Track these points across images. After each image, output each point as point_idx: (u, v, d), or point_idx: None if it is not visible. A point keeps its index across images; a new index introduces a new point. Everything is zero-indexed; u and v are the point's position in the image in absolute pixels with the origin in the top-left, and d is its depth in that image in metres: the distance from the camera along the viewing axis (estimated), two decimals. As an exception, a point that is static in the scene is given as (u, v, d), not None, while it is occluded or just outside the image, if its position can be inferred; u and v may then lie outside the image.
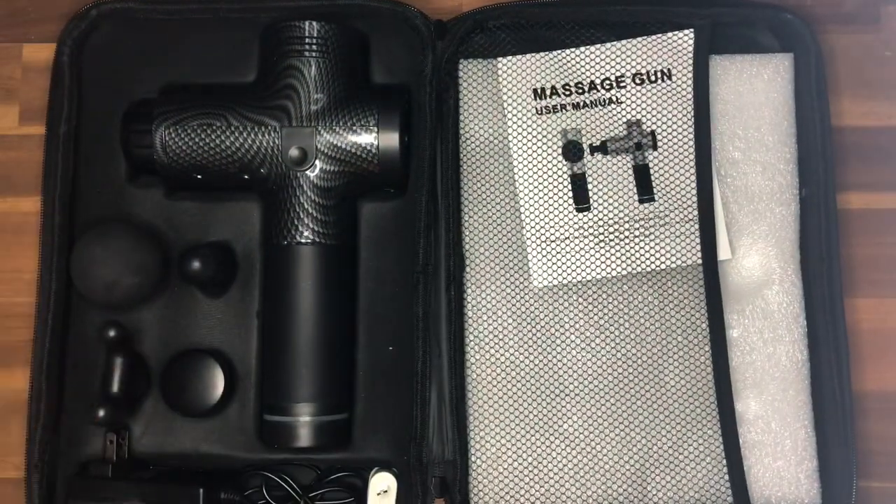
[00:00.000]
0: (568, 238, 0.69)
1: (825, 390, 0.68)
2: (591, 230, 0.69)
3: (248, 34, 0.73)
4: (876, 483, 0.70)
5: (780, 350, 0.69)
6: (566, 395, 0.68)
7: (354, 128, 0.68)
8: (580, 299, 0.69)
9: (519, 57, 0.71)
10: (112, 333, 0.67)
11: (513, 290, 0.69)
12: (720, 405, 0.67)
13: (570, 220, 0.69)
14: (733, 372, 0.68)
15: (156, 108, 0.69)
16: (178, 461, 0.70)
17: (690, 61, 0.69)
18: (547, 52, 0.71)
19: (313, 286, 0.68)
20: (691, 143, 0.69)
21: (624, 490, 0.67)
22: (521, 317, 0.69)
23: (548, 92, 0.70)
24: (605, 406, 0.68)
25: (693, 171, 0.69)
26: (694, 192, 0.69)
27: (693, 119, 0.69)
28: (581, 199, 0.69)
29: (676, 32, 0.70)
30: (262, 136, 0.68)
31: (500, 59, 0.71)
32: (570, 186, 0.70)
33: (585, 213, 0.69)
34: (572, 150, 0.70)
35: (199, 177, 0.69)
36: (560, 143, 0.70)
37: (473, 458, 0.68)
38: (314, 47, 0.68)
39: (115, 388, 0.68)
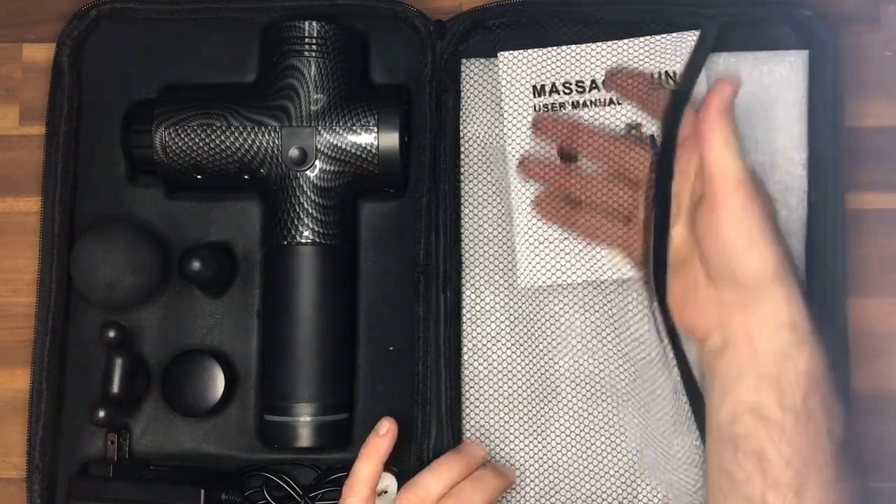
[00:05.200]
0: (558, 239, 0.69)
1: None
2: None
3: (248, 34, 0.72)
4: (875, 483, 0.70)
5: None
6: (560, 396, 0.68)
7: (354, 128, 0.68)
8: (577, 301, 0.69)
9: (520, 52, 0.70)
10: (112, 334, 0.67)
11: (510, 291, 0.69)
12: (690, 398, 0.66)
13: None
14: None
15: (156, 109, 0.69)
16: (178, 461, 0.71)
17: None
18: (549, 48, 0.70)
19: (313, 286, 0.68)
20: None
21: (615, 491, 0.67)
22: (517, 317, 0.69)
23: (547, 89, 0.70)
24: (599, 408, 0.68)
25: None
26: None
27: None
28: (571, 199, 0.69)
29: (682, 33, 0.69)
30: (261, 137, 0.68)
31: (500, 53, 0.70)
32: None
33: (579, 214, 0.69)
34: (568, 150, 0.70)
35: (199, 177, 0.69)
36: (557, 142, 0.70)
37: (468, 457, 0.68)
38: (314, 47, 0.68)
39: (116, 388, 0.68)
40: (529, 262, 0.69)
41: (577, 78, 0.70)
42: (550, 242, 0.69)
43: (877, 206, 0.73)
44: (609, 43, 0.70)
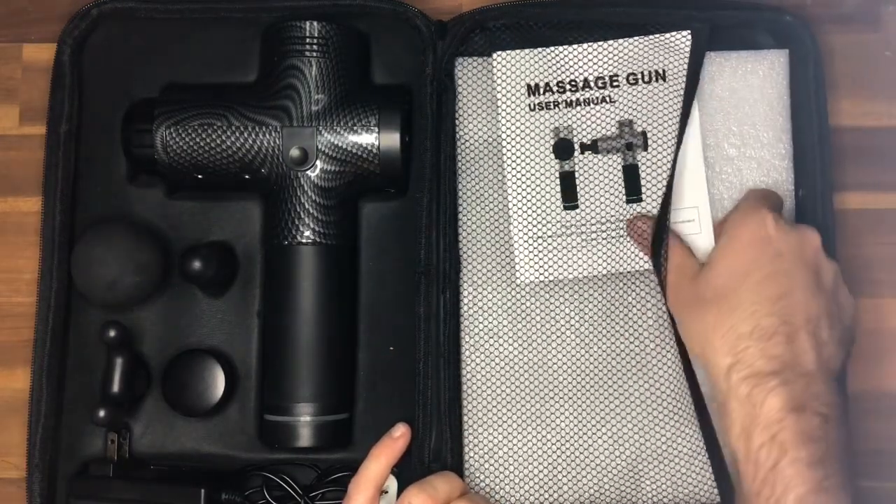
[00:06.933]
0: (554, 235, 0.69)
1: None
2: (577, 228, 0.69)
3: (249, 34, 0.72)
4: (875, 483, 0.70)
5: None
6: (560, 391, 0.68)
7: (355, 128, 0.68)
8: (575, 296, 0.69)
9: (514, 52, 0.70)
10: (112, 333, 0.67)
11: (509, 288, 0.69)
12: (696, 406, 0.67)
13: (557, 217, 0.69)
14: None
15: (157, 108, 0.69)
16: (178, 461, 0.70)
17: (686, 63, 0.69)
18: (542, 48, 0.71)
19: (314, 286, 0.68)
20: (680, 144, 0.69)
21: (617, 486, 0.67)
22: (516, 314, 0.69)
23: (541, 88, 0.70)
24: (599, 402, 0.68)
25: (683, 172, 0.69)
26: (683, 193, 0.69)
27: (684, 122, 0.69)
28: (569, 196, 0.70)
29: (673, 33, 0.70)
30: (262, 136, 0.68)
31: (495, 53, 0.71)
32: (558, 184, 0.70)
33: (573, 211, 0.69)
34: (563, 148, 0.70)
35: (199, 176, 0.69)
36: (551, 141, 0.70)
37: (468, 455, 0.68)
38: (315, 47, 0.68)
39: (116, 387, 0.68)
40: (528, 259, 0.69)
41: (571, 77, 0.70)
42: (548, 238, 0.69)
43: (879, 205, 0.73)
44: (601, 43, 0.70)
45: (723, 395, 0.60)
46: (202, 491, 0.66)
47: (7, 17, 0.76)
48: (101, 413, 0.66)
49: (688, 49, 0.69)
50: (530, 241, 0.69)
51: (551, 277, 0.69)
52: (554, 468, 0.68)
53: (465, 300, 0.69)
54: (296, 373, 0.68)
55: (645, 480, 0.67)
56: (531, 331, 0.69)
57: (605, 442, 0.68)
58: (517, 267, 0.69)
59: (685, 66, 0.69)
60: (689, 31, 0.70)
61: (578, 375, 0.68)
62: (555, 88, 0.70)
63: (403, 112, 0.69)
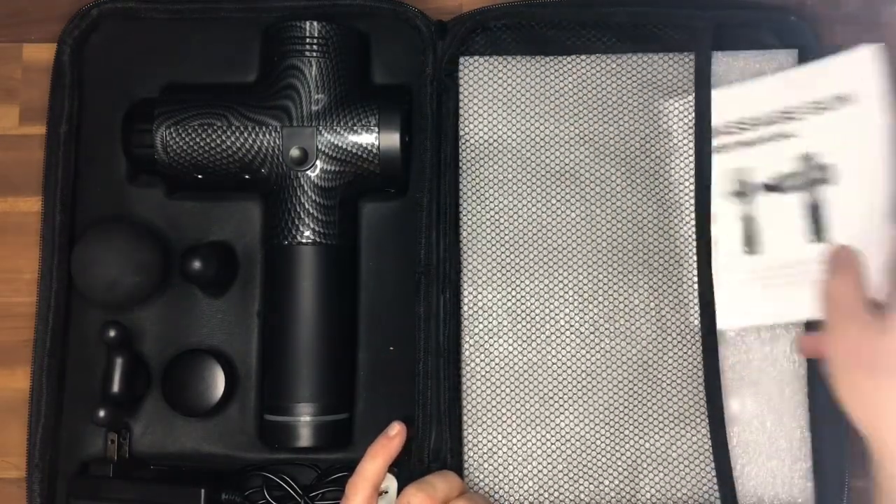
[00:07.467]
0: (742, 281, 0.68)
1: (821, 389, 0.68)
2: (764, 272, 0.68)
3: (250, 34, 0.73)
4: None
5: (778, 349, 0.68)
6: (560, 391, 0.68)
7: (355, 128, 0.68)
8: (576, 296, 0.69)
9: (685, 99, 0.69)
10: (112, 333, 0.67)
11: (509, 288, 0.69)
12: (709, 405, 0.67)
13: (741, 261, 0.68)
14: (730, 370, 0.68)
15: (157, 108, 0.69)
16: (178, 461, 0.71)
17: (873, 83, 0.65)
18: (715, 90, 0.69)
19: (314, 286, 0.68)
20: (876, 175, 0.65)
21: (616, 487, 0.67)
22: (516, 314, 0.69)
23: (716, 131, 0.69)
24: (599, 403, 0.68)
25: (878, 205, 0.65)
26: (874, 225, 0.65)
27: (880, 149, 0.65)
28: (751, 240, 0.68)
29: (853, 51, 0.66)
30: (262, 136, 0.68)
31: (668, 102, 0.70)
32: (741, 227, 0.68)
33: (757, 255, 0.68)
34: (743, 190, 0.69)
35: (199, 176, 0.69)
36: (730, 184, 0.69)
37: (467, 454, 0.68)
38: (315, 47, 0.68)
39: (116, 387, 0.68)
40: (727, 306, 0.68)
41: (744, 116, 0.68)
42: (737, 283, 0.68)
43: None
44: (777, 76, 0.69)
45: (889, 479, 0.57)
46: (202, 491, 0.66)
47: (7, 17, 0.76)
48: (101, 413, 0.66)
49: (873, 68, 0.65)
50: (724, 288, 0.68)
51: (748, 323, 0.68)
52: (554, 468, 0.68)
53: (466, 300, 0.69)
54: (296, 373, 0.68)
55: (644, 481, 0.67)
56: (531, 331, 0.69)
57: (604, 442, 0.68)
58: (719, 315, 0.68)
59: (874, 87, 0.65)
60: (872, 46, 0.65)
61: (579, 376, 0.69)
62: (730, 129, 0.69)
63: (403, 112, 0.69)
